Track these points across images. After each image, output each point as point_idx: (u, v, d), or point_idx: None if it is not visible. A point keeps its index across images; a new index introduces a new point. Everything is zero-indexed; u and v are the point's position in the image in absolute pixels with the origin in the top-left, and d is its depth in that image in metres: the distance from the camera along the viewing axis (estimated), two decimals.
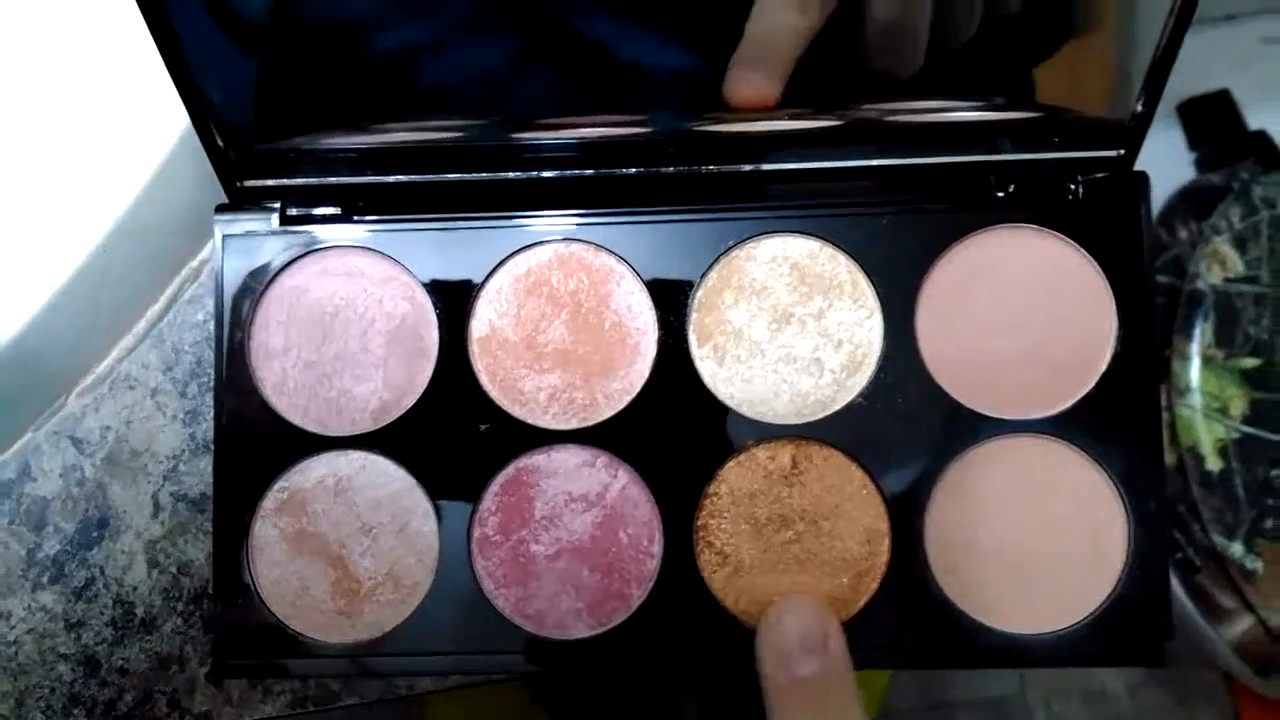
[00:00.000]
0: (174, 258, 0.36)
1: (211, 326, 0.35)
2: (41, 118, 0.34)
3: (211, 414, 0.33)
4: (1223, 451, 0.33)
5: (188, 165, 0.34)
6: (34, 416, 0.35)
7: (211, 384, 0.33)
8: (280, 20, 0.30)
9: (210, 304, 0.36)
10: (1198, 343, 0.33)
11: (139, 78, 0.32)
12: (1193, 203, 0.37)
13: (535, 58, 0.30)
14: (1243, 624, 0.33)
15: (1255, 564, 0.32)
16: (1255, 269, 0.34)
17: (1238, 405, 0.32)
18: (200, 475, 0.35)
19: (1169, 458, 0.33)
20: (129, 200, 0.34)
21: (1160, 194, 0.41)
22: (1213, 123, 0.41)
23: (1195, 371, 0.33)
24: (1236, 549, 0.32)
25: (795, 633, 0.28)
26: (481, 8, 0.29)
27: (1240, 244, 0.34)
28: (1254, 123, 0.42)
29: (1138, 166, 0.31)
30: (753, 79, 0.29)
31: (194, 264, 0.36)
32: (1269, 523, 0.32)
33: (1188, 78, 0.43)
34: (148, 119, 0.34)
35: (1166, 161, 0.41)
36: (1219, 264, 0.34)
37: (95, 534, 0.35)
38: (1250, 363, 0.33)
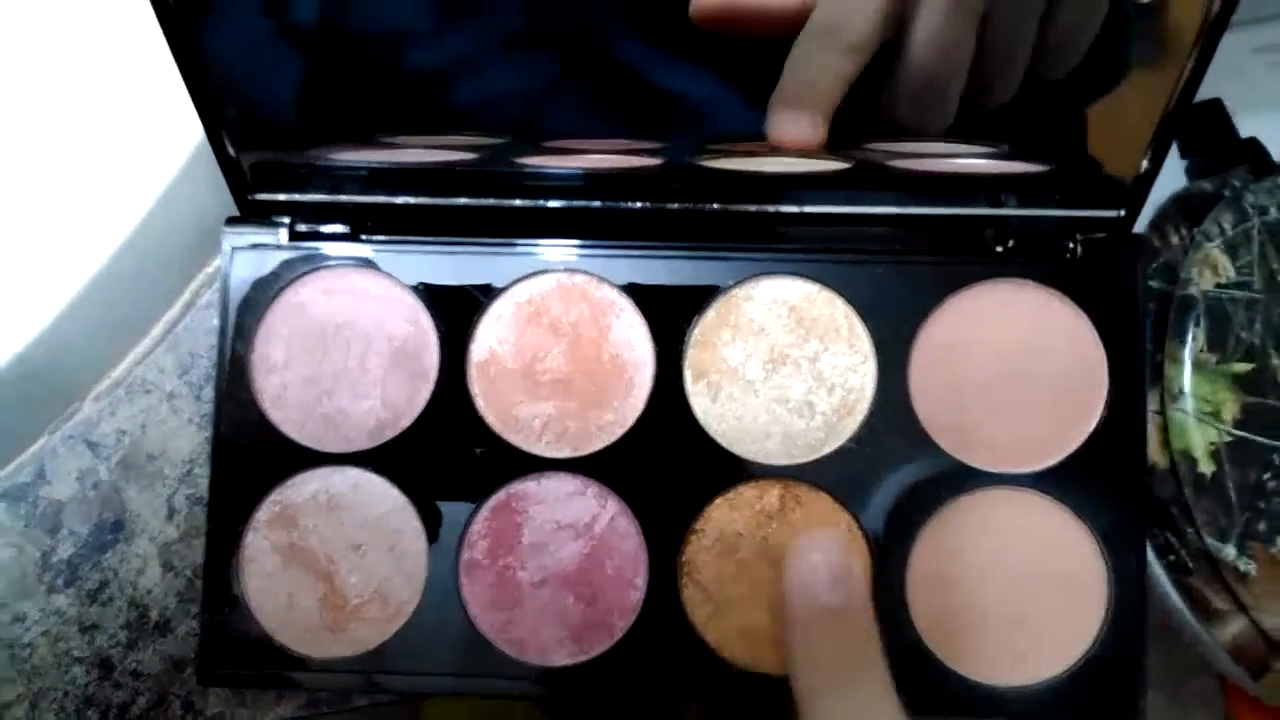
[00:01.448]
0: (191, 262, 0.37)
1: None
2: (60, 124, 0.34)
3: None
4: (1215, 455, 0.33)
5: (205, 171, 0.34)
6: (49, 420, 0.35)
7: None
8: (299, 37, 0.30)
9: None
10: (1190, 348, 0.33)
11: (158, 84, 0.32)
12: (1185, 209, 0.37)
13: (569, 81, 0.30)
14: (1236, 625, 0.34)
15: (1248, 566, 0.33)
16: (1247, 275, 0.34)
17: (1230, 409, 0.33)
18: None
19: (1162, 461, 0.33)
20: (146, 205, 0.34)
21: (1153, 201, 0.41)
22: (1205, 131, 0.41)
23: (1188, 376, 0.33)
24: (1229, 551, 0.32)
25: (822, 564, 0.28)
26: (517, 31, 0.29)
27: (1232, 250, 0.34)
28: (1245, 130, 0.42)
29: None
30: (800, 121, 0.29)
31: (210, 269, 0.37)
32: (1261, 525, 0.33)
33: None
34: (166, 125, 0.34)
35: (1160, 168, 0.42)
36: (1211, 270, 0.34)
37: (110, 537, 0.35)
38: (1242, 367, 0.33)
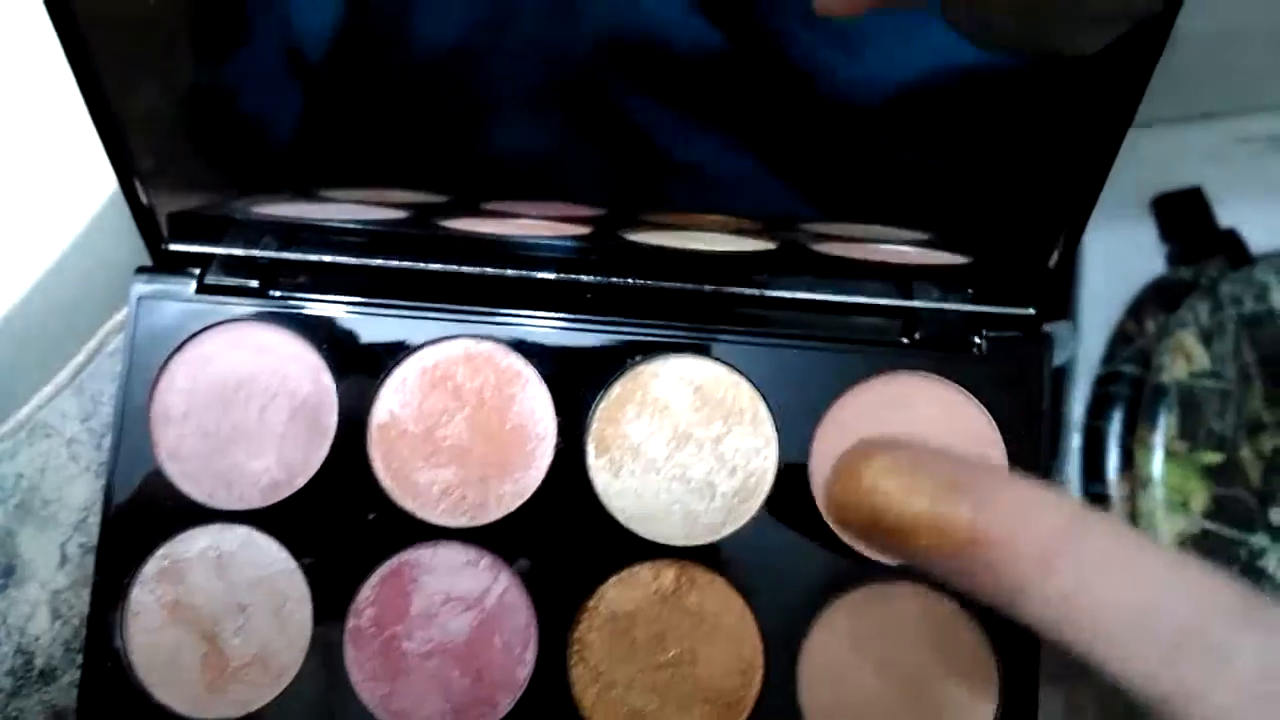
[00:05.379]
0: (101, 308, 0.36)
1: None
2: None
3: None
4: (1183, 546, 0.32)
5: (119, 218, 0.34)
6: None
7: None
8: (214, 85, 0.30)
9: None
10: (1161, 434, 0.33)
11: (72, 131, 0.32)
12: (1162, 296, 0.37)
13: (575, 145, 0.30)
14: None
15: None
16: (1219, 365, 0.34)
17: (1199, 499, 0.32)
18: None
19: None
20: (58, 250, 0.34)
21: (1132, 285, 0.41)
22: (1185, 218, 0.42)
23: (1158, 463, 0.33)
24: None
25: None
26: (515, 93, 0.29)
27: (1206, 339, 0.34)
28: (1226, 219, 0.42)
29: (1114, 255, 0.31)
30: None
31: (119, 317, 0.36)
32: None
33: (1164, 172, 0.44)
34: (80, 172, 0.34)
35: (1139, 253, 0.42)
36: (1184, 357, 0.34)
37: (1, 582, 0.34)
38: (1213, 458, 0.33)
